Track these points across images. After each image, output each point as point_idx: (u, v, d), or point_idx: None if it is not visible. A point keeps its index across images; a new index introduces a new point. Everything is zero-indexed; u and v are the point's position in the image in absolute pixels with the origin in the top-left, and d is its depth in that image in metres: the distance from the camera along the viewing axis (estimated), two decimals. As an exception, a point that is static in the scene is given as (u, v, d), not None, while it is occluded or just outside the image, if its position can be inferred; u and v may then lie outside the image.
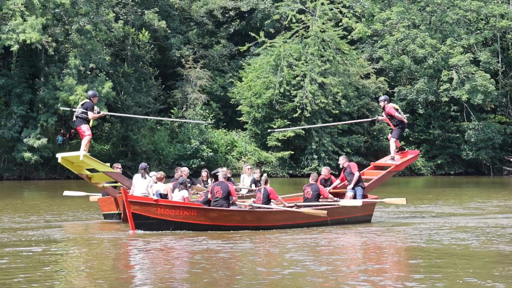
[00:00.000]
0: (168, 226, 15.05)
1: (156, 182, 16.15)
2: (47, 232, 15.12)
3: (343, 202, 17.17)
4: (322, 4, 50.39)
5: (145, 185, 16.06)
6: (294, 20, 50.82)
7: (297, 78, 48.58)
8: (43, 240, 13.89)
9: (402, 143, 53.11)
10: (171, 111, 48.20)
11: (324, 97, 47.89)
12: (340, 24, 51.86)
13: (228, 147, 48.32)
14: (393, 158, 19.43)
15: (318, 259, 11.79)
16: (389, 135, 19.76)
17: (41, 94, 39.84)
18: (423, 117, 54.61)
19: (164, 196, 15.80)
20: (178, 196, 15.66)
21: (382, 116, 19.70)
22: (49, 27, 40.14)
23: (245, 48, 52.45)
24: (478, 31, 55.20)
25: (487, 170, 54.79)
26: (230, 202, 15.76)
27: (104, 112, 18.75)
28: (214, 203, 15.65)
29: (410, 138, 54.71)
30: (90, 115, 17.10)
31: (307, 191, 17.15)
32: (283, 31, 52.59)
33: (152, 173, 16.78)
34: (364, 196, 17.83)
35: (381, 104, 19.45)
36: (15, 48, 38.01)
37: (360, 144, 49.93)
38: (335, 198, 17.38)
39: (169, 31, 50.54)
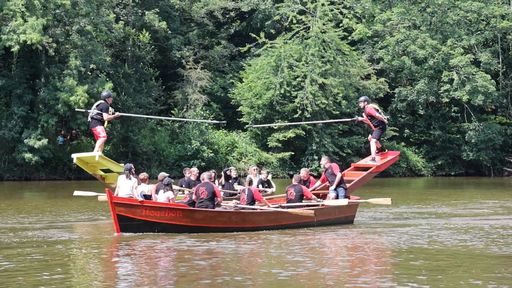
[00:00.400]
0: (153, 228, 14.86)
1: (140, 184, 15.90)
2: (52, 232, 15.11)
3: (329, 202, 17.09)
4: (323, 5, 50.39)
5: (130, 186, 15.70)
6: (294, 21, 50.82)
7: (297, 79, 48.58)
8: (44, 241, 13.87)
9: (403, 143, 53.61)
10: (172, 111, 48.18)
11: (325, 98, 47.88)
12: (341, 25, 51.85)
13: (229, 148, 48.31)
14: (373, 159, 19.38)
15: (320, 259, 11.77)
16: (369, 136, 19.70)
17: (41, 94, 39.82)
18: (424, 118, 54.62)
19: (148, 197, 15.61)
20: (163, 197, 15.43)
21: (363, 116, 19.63)
22: (49, 27, 40.12)
23: (245, 49, 52.46)
24: (478, 32, 55.21)
25: (488, 171, 54.78)
26: (215, 203, 15.61)
27: (119, 113, 18.70)
28: (199, 204, 15.48)
29: (410, 139, 54.73)
30: (105, 116, 17.14)
31: (290, 192, 16.99)
32: (284, 32, 52.58)
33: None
34: (347, 197, 17.73)
35: (361, 104, 19.42)
36: (15, 48, 37.98)
37: (361, 145, 49.90)
38: (318, 199, 17.32)
39: (169, 32, 50.53)
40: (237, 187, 19.43)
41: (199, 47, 53.56)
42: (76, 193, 19.85)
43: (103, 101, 17.37)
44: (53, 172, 41.23)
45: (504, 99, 56.14)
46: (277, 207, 16.62)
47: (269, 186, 19.74)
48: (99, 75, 42.23)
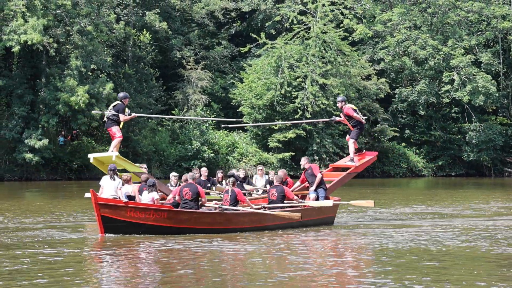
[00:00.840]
0: (138, 229, 14.69)
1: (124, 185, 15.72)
2: (57, 233, 15.10)
3: (314, 203, 17.01)
4: (323, 5, 50.36)
5: (114, 187, 15.50)
6: (295, 21, 50.78)
7: (298, 79, 48.54)
8: (46, 241, 13.85)
9: (403, 144, 53.61)
10: (172, 112, 48.16)
11: (325, 99, 47.86)
12: (341, 25, 51.81)
13: (229, 148, 48.29)
14: (352, 160, 19.35)
15: (321, 260, 11.75)
16: (347, 136, 19.65)
17: (42, 95, 39.80)
18: (424, 119, 54.61)
19: (132, 198, 15.44)
20: (147, 198, 15.27)
21: (340, 117, 19.59)
22: (50, 28, 40.09)
23: (246, 49, 52.42)
24: (479, 33, 55.19)
25: (488, 172, 54.76)
26: (199, 203, 15.47)
27: (135, 114, 18.69)
28: (183, 205, 15.30)
29: (411, 140, 54.74)
30: (122, 117, 17.20)
31: (272, 192, 16.88)
32: (284, 32, 52.54)
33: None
34: (327, 198, 17.67)
35: (339, 105, 19.40)
36: (16, 49, 37.95)
37: (361, 145, 49.83)
38: (300, 200, 17.26)
39: (170, 32, 50.51)
40: (247, 187, 19.46)
41: (199, 47, 53.55)
42: (88, 195, 19.46)
43: (119, 102, 17.44)
44: (54, 172, 41.21)
45: (505, 100, 56.13)
46: (260, 208, 16.50)
47: None
48: (100, 76, 42.21)
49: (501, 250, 13.08)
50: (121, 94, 17.79)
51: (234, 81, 52.03)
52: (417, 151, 54.39)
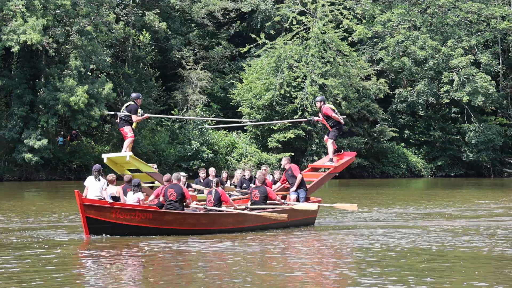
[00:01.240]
0: (123, 230, 14.52)
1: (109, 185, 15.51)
2: (60, 233, 15.09)
3: (299, 206, 16.87)
4: (323, 5, 50.39)
5: (99, 188, 15.22)
6: (294, 22, 50.81)
7: (297, 80, 48.57)
8: (45, 242, 13.84)
9: (403, 144, 53.60)
10: (172, 112, 48.17)
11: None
12: (341, 25, 51.83)
13: (229, 149, 48.29)
14: (331, 160, 19.28)
15: (322, 260, 11.74)
16: (326, 137, 19.60)
17: (41, 95, 39.80)
18: (424, 119, 54.66)
19: (117, 199, 15.25)
20: (133, 198, 15.09)
21: (319, 117, 19.56)
22: (49, 28, 40.10)
23: (245, 49, 52.43)
24: (479, 33, 55.24)
25: (488, 172, 54.80)
26: (184, 204, 15.36)
27: (148, 114, 18.65)
28: (168, 206, 15.13)
29: (410, 140, 54.77)
30: (134, 118, 17.19)
31: (255, 193, 16.76)
32: (284, 33, 52.56)
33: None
34: (307, 199, 17.61)
35: (318, 105, 19.36)
36: (15, 49, 37.96)
37: (361, 145, 49.89)
38: (283, 200, 17.17)
39: (169, 32, 50.52)
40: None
41: (199, 47, 53.56)
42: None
43: (132, 103, 17.41)
44: (53, 172, 41.21)
45: (504, 100, 56.16)
46: (244, 209, 16.40)
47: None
48: (99, 76, 42.21)
49: (502, 250, 13.07)
50: (133, 95, 17.73)
51: (233, 81, 52.04)
52: (416, 151, 54.42)
